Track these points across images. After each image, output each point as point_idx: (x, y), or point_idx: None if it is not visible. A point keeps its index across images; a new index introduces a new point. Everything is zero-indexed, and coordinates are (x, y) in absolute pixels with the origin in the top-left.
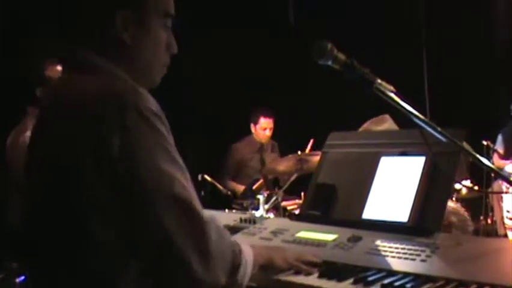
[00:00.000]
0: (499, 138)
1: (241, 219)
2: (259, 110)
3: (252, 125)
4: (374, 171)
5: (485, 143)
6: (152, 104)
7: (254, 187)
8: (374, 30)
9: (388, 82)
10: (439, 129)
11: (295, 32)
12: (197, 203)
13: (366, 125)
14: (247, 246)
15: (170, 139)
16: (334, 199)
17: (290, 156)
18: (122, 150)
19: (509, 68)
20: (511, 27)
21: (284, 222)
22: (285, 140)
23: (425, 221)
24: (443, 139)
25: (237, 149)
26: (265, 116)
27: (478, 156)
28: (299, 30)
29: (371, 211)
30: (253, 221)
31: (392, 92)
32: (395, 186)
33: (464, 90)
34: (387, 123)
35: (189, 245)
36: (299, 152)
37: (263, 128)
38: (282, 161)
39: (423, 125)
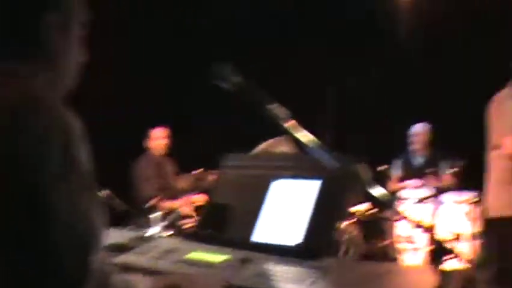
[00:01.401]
0: (396, 163)
1: (133, 238)
2: (151, 125)
3: (147, 141)
4: (266, 193)
5: (381, 168)
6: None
7: (149, 204)
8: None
9: (291, 107)
10: (332, 154)
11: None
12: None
13: (262, 146)
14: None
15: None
16: (227, 220)
17: (188, 174)
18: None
19: (406, 95)
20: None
21: (176, 241)
22: (184, 158)
23: (315, 245)
24: (337, 164)
25: (136, 166)
26: (157, 126)
27: (363, 181)
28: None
29: (262, 234)
30: (145, 239)
31: (287, 116)
32: (286, 210)
33: (362, 117)
34: (284, 146)
35: None
36: (197, 171)
37: (157, 137)
38: (180, 179)
39: (316, 149)
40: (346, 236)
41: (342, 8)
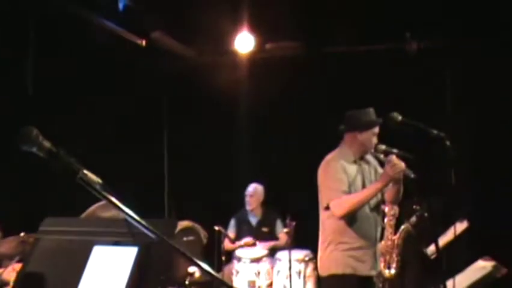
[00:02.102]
0: (231, 222)
1: None
2: None
3: None
4: (86, 260)
5: (216, 228)
6: None
7: None
8: None
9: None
10: (149, 221)
11: None
12: None
13: (91, 209)
14: None
15: None
16: None
17: (12, 237)
18: None
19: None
20: None
21: None
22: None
23: None
24: (153, 232)
25: None
26: None
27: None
28: None
29: None
30: None
31: (98, 183)
32: (107, 276)
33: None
34: (114, 210)
35: None
36: (22, 234)
37: None
38: (3, 243)
39: (131, 217)
40: None
41: None
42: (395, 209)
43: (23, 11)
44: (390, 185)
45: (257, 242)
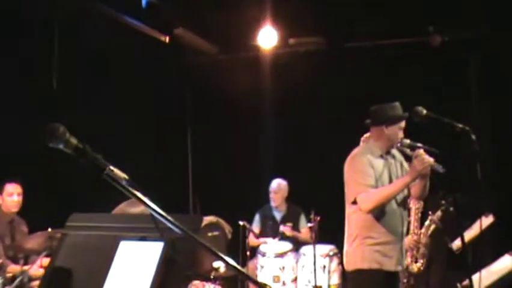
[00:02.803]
0: (256, 218)
1: None
2: (3, 180)
3: None
4: (113, 255)
5: (241, 223)
6: None
7: None
8: None
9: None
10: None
11: None
12: None
13: (121, 206)
14: None
15: None
16: (71, 284)
17: (39, 233)
18: None
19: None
20: None
21: None
22: (35, 216)
23: None
24: (179, 226)
25: None
26: (10, 182)
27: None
28: None
29: None
30: None
31: (124, 179)
32: (133, 272)
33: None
34: (142, 206)
35: None
36: (50, 229)
37: (10, 193)
38: (31, 238)
39: (157, 212)
40: None
41: None
42: (420, 204)
43: (48, 9)
44: (417, 179)
45: (280, 237)
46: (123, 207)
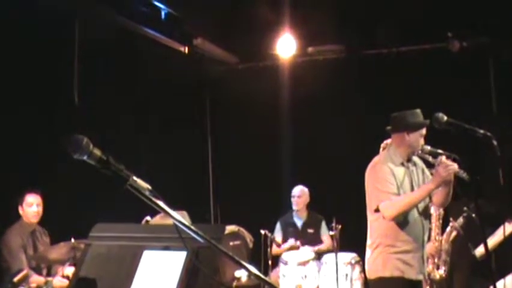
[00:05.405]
0: (277, 226)
1: None
2: (24, 190)
3: (19, 207)
4: (137, 265)
5: (262, 232)
6: None
7: (16, 279)
8: None
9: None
10: (193, 227)
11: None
12: None
13: (157, 218)
14: None
15: None
16: None
17: (62, 243)
18: None
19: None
20: None
21: None
22: (57, 226)
23: None
24: (202, 236)
25: (6, 234)
26: (30, 192)
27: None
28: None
29: None
30: None
31: (147, 189)
32: (157, 281)
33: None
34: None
35: None
36: (73, 239)
37: (30, 203)
38: (54, 249)
39: (180, 222)
40: None
41: None
42: (440, 211)
43: (69, 22)
44: (441, 186)
45: (300, 245)
46: (158, 220)
